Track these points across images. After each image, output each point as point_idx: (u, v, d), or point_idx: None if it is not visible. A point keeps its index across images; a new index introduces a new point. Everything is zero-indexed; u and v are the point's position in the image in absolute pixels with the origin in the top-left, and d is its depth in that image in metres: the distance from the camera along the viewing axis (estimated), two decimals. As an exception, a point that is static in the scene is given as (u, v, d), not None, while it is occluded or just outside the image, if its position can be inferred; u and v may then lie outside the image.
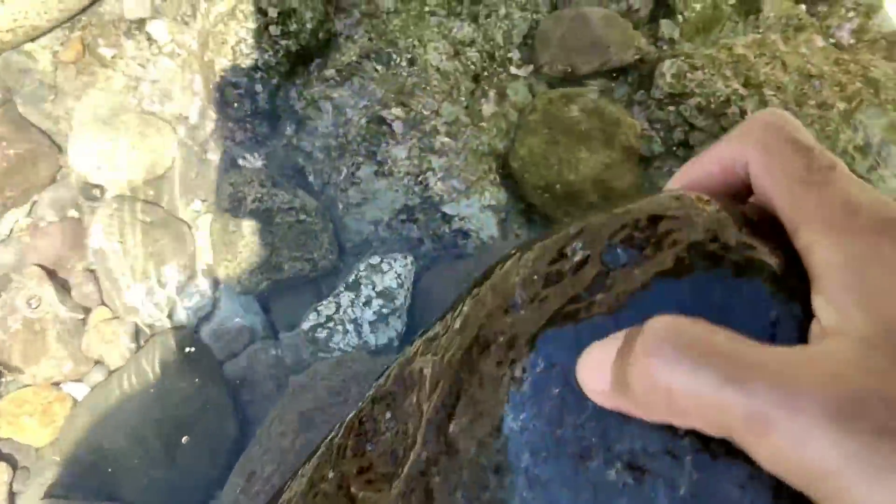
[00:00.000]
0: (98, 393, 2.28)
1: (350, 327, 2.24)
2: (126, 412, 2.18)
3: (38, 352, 2.29)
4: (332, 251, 2.41)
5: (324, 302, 2.29)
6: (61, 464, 2.24)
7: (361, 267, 2.32)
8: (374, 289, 2.28)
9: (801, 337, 0.48)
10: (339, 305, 2.27)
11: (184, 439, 2.16)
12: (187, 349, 2.30)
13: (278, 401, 2.17)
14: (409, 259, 2.35)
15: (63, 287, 2.41)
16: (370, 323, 2.26)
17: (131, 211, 2.47)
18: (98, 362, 2.36)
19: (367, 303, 2.27)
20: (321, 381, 2.11)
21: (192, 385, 2.22)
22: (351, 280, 2.30)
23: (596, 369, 0.50)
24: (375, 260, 2.32)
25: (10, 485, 2.23)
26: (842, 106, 2.51)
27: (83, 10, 2.56)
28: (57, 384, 2.33)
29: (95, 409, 2.22)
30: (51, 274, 2.40)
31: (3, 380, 2.33)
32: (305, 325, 2.27)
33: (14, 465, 2.27)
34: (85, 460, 2.17)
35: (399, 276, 2.31)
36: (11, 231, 2.47)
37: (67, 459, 2.21)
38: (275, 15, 2.39)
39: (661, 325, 0.46)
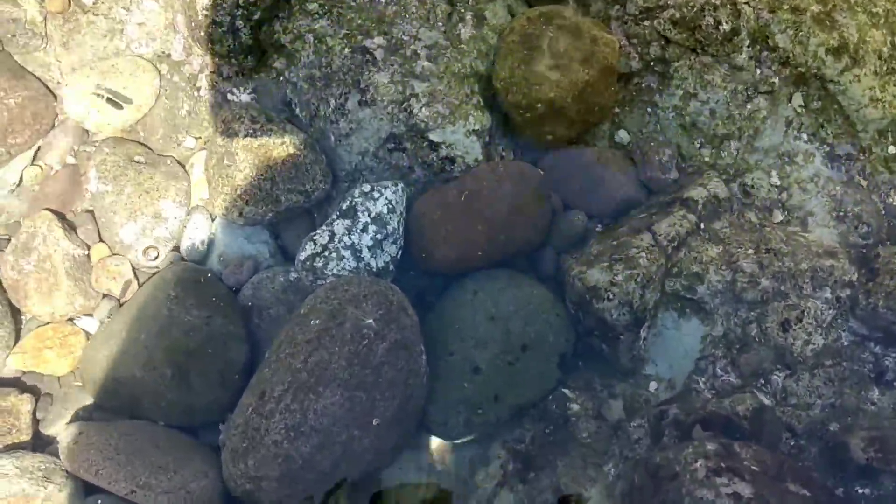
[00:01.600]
0: (110, 326, 2.42)
1: (346, 253, 2.35)
2: (137, 343, 2.31)
3: (51, 288, 2.43)
4: (325, 181, 2.51)
5: (318, 231, 2.39)
6: (83, 391, 2.41)
7: (356, 194, 2.41)
8: (368, 215, 2.38)
9: None
10: (333, 234, 2.37)
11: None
12: (191, 279, 2.42)
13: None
14: (400, 186, 2.44)
15: (70, 228, 2.53)
16: (369, 248, 2.37)
17: (124, 153, 2.56)
18: (106, 296, 2.52)
19: (364, 229, 2.37)
20: (320, 304, 2.23)
21: (198, 314, 2.34)
22: (345, 207, 2.39)
23: None
24: (367, 188, 2.41)
25: (34, 413, 2.39)
26: (815, 9, 2.55)
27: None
28: (70, 319, 2.49)
29: (109, 340, 2.35)
30: (59, 217, 2.52)
31: (23, 318, 2.49)
32: (302, 256, 2.37)
33: (37, 395, 2.43)
34: (104, 387, 2.32)
35: (390, 202, 2.40)
36: (21, 179, 2.59)
37: (88, 388, 2.37)
38: (252, -50, 2.43)
39: None
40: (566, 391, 2.30)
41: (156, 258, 2.50)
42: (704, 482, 1.93)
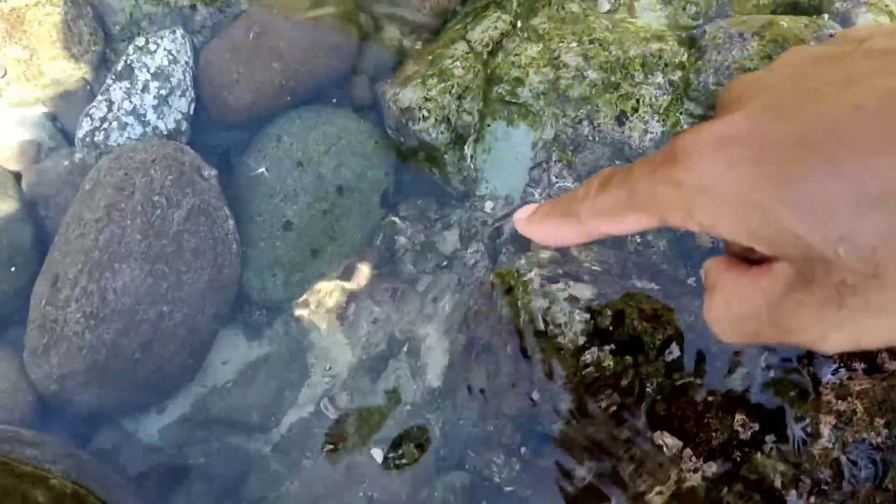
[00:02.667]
0: None
1: (129, 119, 2.07)
2: None
3: None
4: (94, 41, 2.18)
5: (94, 104, 2.09)
6: None
7: (130, 50, 2.11)
8: (148, 71, 2.09)
9: None
10: (111, 102, 2.08)
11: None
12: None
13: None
14: (179, 32, 2.14)
15: None
16: (153, 108, 2.09)
17: None
18: None
19: (145, 88, 2.09)
20: (105, 177, 1.97)
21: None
22: (120, 68, 2.10)
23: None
24: (141, 41, 2.11)
25: None
26: None
27: None
28: None
29: None
30: None
31: None
32: (80, 133, 2.08)
33: None
34: None
35: (169, 51, 2.11)
36: None
37: None
38: None
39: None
40: (395, 219, 2.10)
41: None
42: (539, 291, 1.78)
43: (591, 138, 2.10)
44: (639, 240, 2.05)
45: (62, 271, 1.90)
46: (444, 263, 2.08)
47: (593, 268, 1.88)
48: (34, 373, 1.89)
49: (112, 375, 1.88)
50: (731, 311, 0.75)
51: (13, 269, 2.04)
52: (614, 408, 1.75)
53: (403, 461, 1.94)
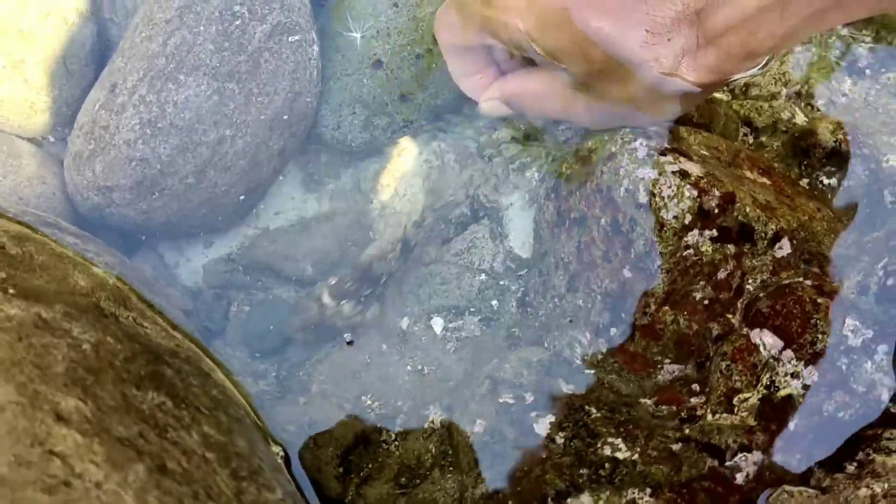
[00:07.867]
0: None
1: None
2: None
3: None
4: None
5: None
6: None
7: None
8: None
9: None
10: None
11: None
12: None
13: None
14: None
15: None
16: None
17: None
18: None
19: None
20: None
21: None
22: None
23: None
24: None
25: None
26: None
27: None
28: None
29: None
30: None
31: None
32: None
33: None
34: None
35: None
36: None
37: None
38: None
39: None
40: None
41: None
42: (646, 160, 1.60)
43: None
44: (751, 140, 1.87)
45: (121, 79, 1.73)
46: (535, 136, 1.90)
47: (702, 151, 1.71)
48: (75, 180, 1.72)
49: (161, 196, 1.71)
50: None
51: (67, 75, 1.87)
52: (707, 301, 1.58)
53: (463, 335, 1.77)
